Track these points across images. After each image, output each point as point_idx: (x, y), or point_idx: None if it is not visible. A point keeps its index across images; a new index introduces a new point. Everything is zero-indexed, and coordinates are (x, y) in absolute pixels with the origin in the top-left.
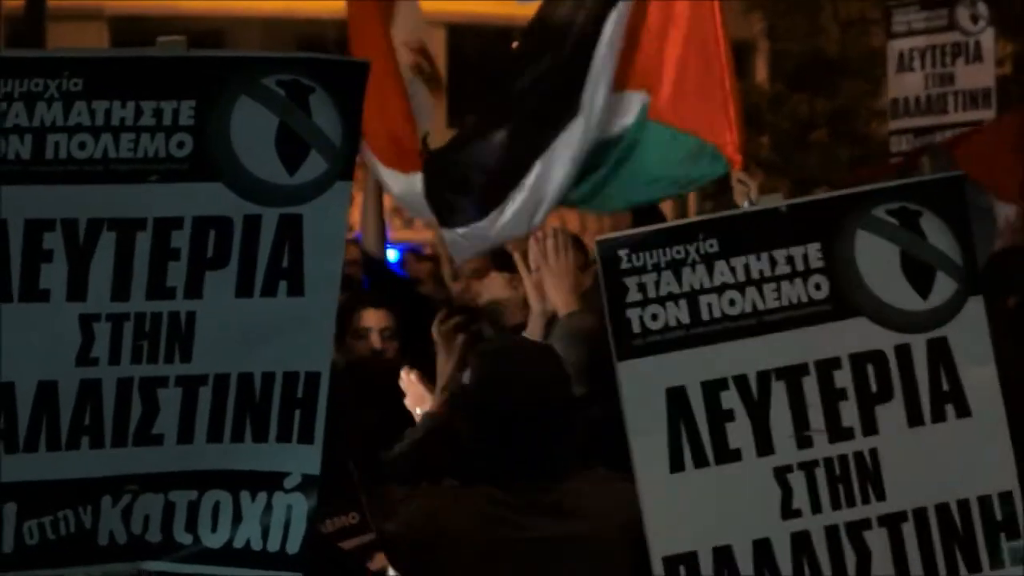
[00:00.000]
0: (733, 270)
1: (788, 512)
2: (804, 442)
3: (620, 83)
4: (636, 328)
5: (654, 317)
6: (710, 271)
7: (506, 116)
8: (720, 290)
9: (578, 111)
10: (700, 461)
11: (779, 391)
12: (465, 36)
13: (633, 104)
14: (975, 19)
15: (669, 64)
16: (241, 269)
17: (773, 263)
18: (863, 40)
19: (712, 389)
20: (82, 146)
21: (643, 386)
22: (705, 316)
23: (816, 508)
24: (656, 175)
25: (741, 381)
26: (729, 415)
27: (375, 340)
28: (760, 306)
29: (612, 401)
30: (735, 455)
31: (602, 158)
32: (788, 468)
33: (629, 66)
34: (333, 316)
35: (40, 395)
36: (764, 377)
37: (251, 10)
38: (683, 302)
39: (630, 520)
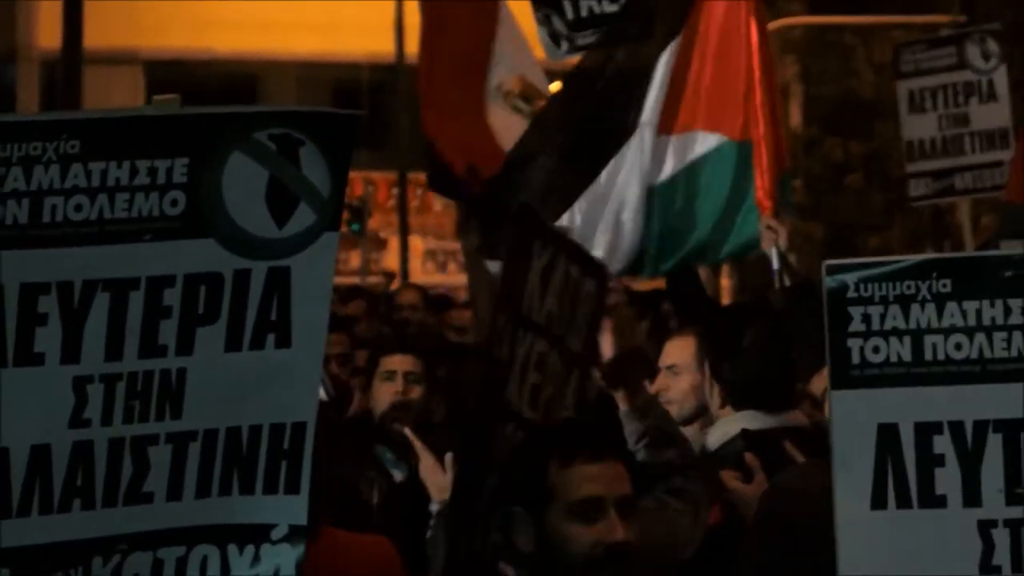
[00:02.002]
0: (964, 313)
1: (987, 567)
2: (1014, 499)
3: (666, 127)
4: (855, 359)
5: (875, 350)
6: (939, 311)
7: (549, 152)
8: (947, 332)
9: (621, 152)
10: (903, 502)
11: (994, 443)
12: None
13: (694, 144)
14: (986, 56)
15: (704, 103)
16: (230, 324)
17: (1007, 312)
18: None
19: (925, 431)
20: (78, 208)
21: (855, 418)
22: (928, 356)
23: (1017, 568)
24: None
25: (957, 427)
26: (939, 460)
27: (399, 384)
28: (987, 354)
29: None
30: (940, 501)
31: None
32: (993, 523)
33: (675, 110)
34: (319, 366)
35: (33, 459)
36: (981, 427)
37: (286, 54)
38: (907, 339)
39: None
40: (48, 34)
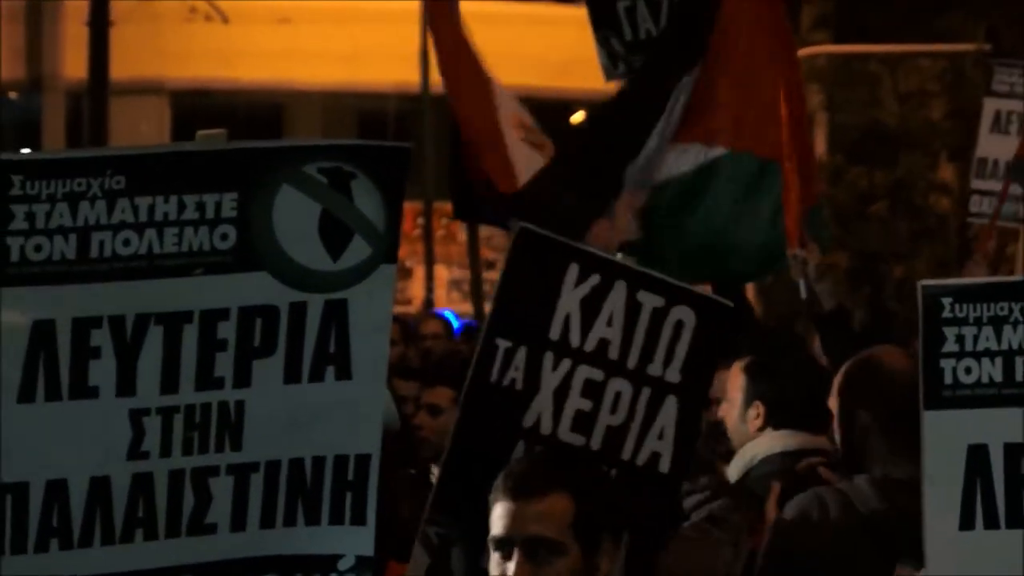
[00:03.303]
0: None
1: None
2: None
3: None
4: (948, 379)
5: (967, 371)
6: None
7: (572, 170)
8: None
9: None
10: (991, 523)
11: None
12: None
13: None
14: None
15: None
16: (288, 356)
17: None
18: (922, 113)
19: (1015, 452)
20: (127, 243)
21: (945, 438)
22: (1019, 377)
23: None
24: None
25: None
26: None
27: (421, 417)
28: None
29: None
30: None
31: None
32: None
33: (700, 120)
34: (382, 398)
35: (93, 491)
36: None
37: (311, 83)
38: (999, 360)
39: None
40: (74, 64)
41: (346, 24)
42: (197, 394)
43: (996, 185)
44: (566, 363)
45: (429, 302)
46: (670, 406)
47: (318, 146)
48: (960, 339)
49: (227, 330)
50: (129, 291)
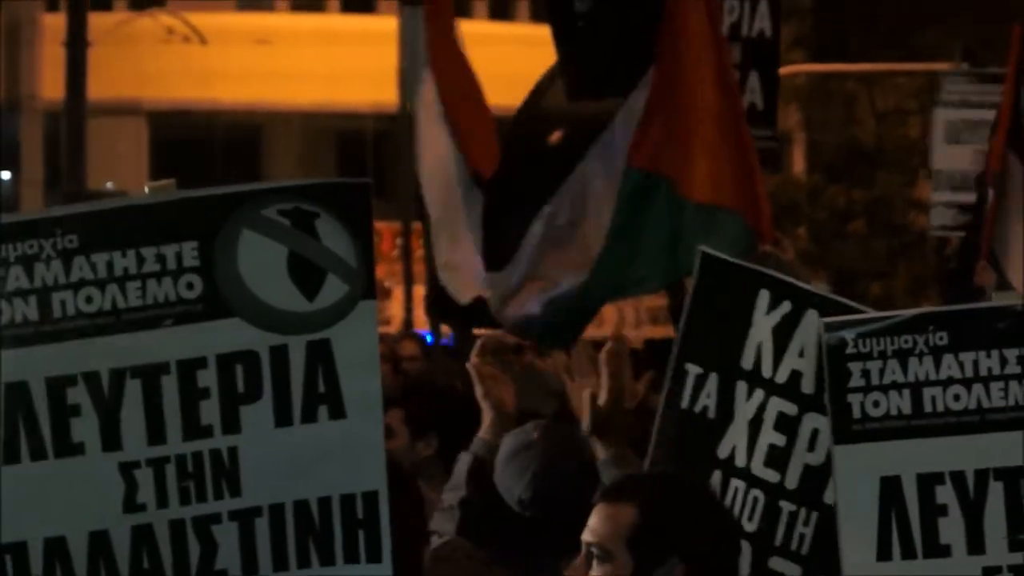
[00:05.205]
0: (961, 365)
1: None
2: (1017, 545)
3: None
4: (856, 414)
5: (875, 404)
6: (937, 364)
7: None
8: (946, 384)
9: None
10: (908, 553)
11: (996, 492)
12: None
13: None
14: None
15: (682, 138)
16: (276, 399)
17: (1003, 362)
18: (899, 131)
19: (927, 482)
20: (89, 300)
21: (858, 472)
22: (928, 408)
23: None
24: (673, 247)
25: (958, 477)
26: (942, 510)
27: None
28: (985, 403)
29: None
30: (944, 551)
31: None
32: (998, 569)
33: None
34: (380, 434)
35: (93, 546)
36: (982, 476)
37: (289, 104)
38: (906, 392)
39: None
40: (51, 85)
41: (324, 45)
42: (186, 443)
43: (954, 196)
44: (759, 394)
45: (408, 322)
46: None
47: (275, 189)
48: (866, 374)
49: (207, 378)
50: (100, 347)
